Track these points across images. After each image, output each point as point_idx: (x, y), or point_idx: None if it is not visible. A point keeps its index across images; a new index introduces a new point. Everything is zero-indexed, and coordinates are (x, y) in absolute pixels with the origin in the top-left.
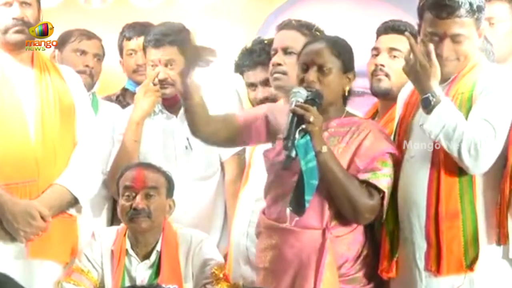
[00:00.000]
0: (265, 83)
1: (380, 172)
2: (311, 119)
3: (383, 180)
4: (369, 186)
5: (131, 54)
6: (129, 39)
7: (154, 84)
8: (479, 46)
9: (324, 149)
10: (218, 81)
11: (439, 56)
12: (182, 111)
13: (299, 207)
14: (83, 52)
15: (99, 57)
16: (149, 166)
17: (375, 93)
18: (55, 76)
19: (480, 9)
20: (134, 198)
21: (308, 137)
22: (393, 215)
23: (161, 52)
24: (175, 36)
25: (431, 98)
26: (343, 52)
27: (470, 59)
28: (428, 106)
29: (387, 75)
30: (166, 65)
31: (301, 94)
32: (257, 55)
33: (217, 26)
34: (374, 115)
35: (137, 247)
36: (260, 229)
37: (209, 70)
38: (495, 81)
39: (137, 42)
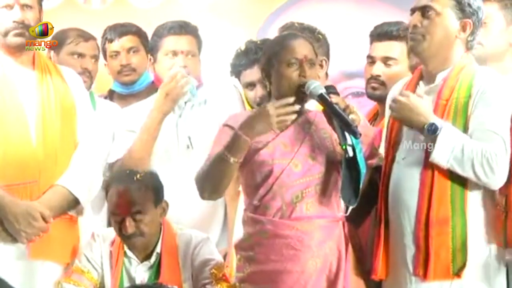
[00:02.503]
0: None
1: (380, 155)
2: (354, 109)
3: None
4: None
5: (115, 55)
6: (111, 41)
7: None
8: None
9: None
10: (219, 80)
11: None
12: (185, 109)
13: (355, 196)
14: (81, 55)
15: (96, 57)
16: (130, 185)
17: (369, 97)
18: (56, 78)
19: None
20: (123, 221)
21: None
22: (385, 216)
23: (183, 40)
24: (193, 29)
25: (431, 126)
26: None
27: (440, 42)
28: (432, 134)
29: (383, 84)
30: (186, 55)
31: (320, 86)
32: (253, 53)
33: (217, 26)
34: (375, 116)
35: (136, 250)
36: (258, 229)
37: (210, 69)
38: (491, 87)
39: (119, 43)
